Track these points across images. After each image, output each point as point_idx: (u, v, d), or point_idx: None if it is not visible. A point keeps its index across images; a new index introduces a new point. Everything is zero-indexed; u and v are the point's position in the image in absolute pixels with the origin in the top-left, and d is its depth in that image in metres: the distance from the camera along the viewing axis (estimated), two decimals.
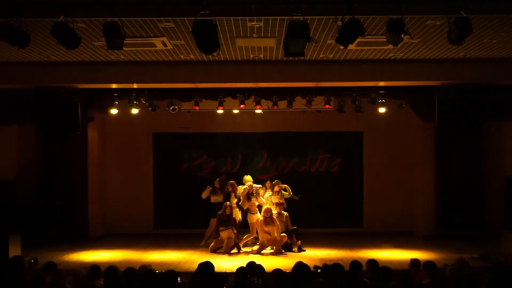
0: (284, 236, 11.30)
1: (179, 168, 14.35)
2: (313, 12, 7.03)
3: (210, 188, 12.32)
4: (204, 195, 12.29)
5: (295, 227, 11.69)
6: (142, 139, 14.37)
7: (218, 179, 12.46)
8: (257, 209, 11.79)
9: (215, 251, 11.43)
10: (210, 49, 6.80)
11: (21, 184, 11.84)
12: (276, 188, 12.01)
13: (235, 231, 11.48)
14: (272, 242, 11.26)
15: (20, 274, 6.74)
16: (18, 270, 7.04)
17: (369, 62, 10.16)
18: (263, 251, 11.32)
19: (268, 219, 11.17)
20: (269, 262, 10.07)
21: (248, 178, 12.17)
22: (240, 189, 11.91)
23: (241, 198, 11.77)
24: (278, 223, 11.30)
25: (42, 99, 11.08)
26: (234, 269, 6.76)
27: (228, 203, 11.60)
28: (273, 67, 10.36)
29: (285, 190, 12.12)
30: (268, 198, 11.98)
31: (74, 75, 10.38)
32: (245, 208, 11.79)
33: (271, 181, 12.47)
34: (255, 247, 11.37)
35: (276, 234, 11.13)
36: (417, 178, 13.92)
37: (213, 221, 12.21)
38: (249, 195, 11.71)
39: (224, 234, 11.37)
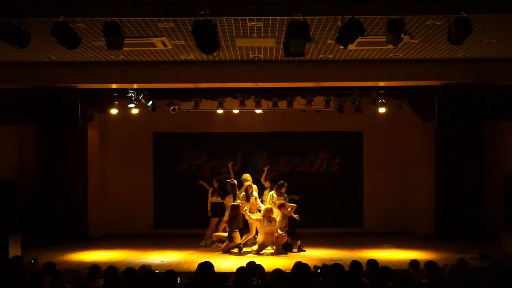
0: (284, 236, 11.30)
1: (179, 168, 14.36)
2: (313, 12, 7.02)
3: (211, 189, 12.36)
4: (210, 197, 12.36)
5: (292, 227, 11.66)
6: (142, 139, 14.37)
7: (215, 178, 12.48)
8: (257, 208, 11.78)
9: (227, 251, 11.44)
10: (210, 49, 6.80)
11: (21, 184, 11.83)
12: (282, 190, 11.95)
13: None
14: (273, 242, 11.25)
15: (20, 274, 6.75)
16: (18, 270, 7.04)
17: (369, 62, 10.15)
18: (263, 251, 11.32)
19: (270, 218, 11.17)
20: (269, 262, 10.08)
21: (247, 176, 12.17)
22: (242, 191, 11.96)
23: (240, 199, 11.77)
24: (278, 223, 11.31)
25: (42, 99, 11.07)
26: (234, 269, 6.77)
27: (235, 203, 11.60)
28: (273, 67, 10.35)
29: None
30: (271, 198, 11.93)
31: (74, 75, 10.36)
32: (245, 209, 11.77)
33: (271, 181, 12.47)
34: (255, 247, 11.37)
35: (276, 234, 11.17)
36: (417, 178, 13.92)
37: (213, 221, 12.23)
38: (248, 195, 11.72)
39: (235, 235, 11.45)
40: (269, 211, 11.23)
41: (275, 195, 11.88)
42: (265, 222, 11.17)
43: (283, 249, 11.40)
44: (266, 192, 12.40)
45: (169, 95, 12.29)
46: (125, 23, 7.20)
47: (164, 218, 14.26)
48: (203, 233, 12.39)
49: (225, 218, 11.81)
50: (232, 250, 11.45)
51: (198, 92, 12.08)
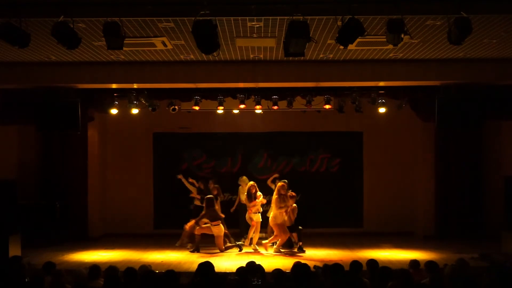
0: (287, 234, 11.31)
1: (179, 168, 14.32)
2: (313, 12, 7.03)
3: (196, 189, 12.33)
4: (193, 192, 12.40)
5: (300, 227, 11.63)
6: (142, 139, 14.37)
7: (200, 181, 12.49)
8: (257, 209, 11.75)
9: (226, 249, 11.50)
10: (210, 49, 6.80)
11: (21, 184, 11.83)
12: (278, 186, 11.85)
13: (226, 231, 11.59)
14: (285, 220, 11.27)
15: (20, 274, 6.74)
16: (17, 270, 7.03)
17: (369, 62, 10.16)
18: (263, 252, 11.32)
19: (283, 196, 11.17)
20: (269, 262, 10.08)
21: (245, 180, 12.24)
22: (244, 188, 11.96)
23: (243, 198, 11.77)
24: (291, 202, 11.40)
25: (42, 99, 11.08)
26: (234, 269, 6.76)
27: (209, 196, 11.64)
28: (273, 67, 10.35)
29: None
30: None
31: (74, 75, 10.37)
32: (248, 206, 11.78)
33: (273, 182, 12.46)
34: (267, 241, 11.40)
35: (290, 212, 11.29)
36: (417, 178, 13.92)
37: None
38: (250, 195, 11.68)
39: (215, 229, 11.37)
40: (283, 188, 11.23)
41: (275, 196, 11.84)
42: (281, 199, 11.17)
43: (285, 247, 11.38)
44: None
45: (169, 95, 12.29)
46: (125, 23, 7.20)
47: (164, 218, 14.25)
48: (202, 233, 12.36)
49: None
50: (230, 250, 11.46)
51: (198, 92, 12.08)
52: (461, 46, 8.34)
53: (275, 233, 11.49)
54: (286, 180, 11.90)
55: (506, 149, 13.08)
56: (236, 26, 7.81)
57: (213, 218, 11.40)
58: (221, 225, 11.45)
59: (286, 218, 11.33)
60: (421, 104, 12.34)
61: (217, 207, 11.88)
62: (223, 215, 11.94)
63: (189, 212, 12.59)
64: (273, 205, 11.40)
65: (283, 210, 11.23)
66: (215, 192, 12.14)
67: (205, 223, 11.47)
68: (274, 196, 11.41)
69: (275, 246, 11.47)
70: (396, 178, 14.21)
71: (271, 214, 11.43)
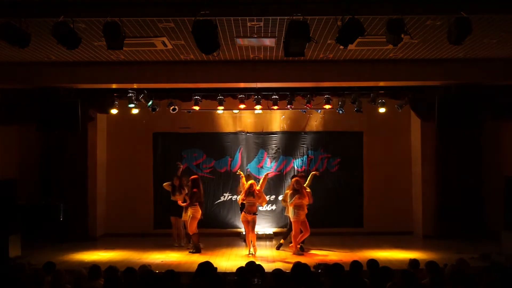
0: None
1: (179, 168, 14.31)
2: (313, 12, 7.04)
3: (169, 183, 12.34)
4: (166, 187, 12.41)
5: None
6: (142, 139, 14.36)
7: (175, 177, 12.42)
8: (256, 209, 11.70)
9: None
10: (210, 49, 6.80)
11: (21, 184, 11.84)
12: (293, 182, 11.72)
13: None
14: (305, 213, 11.20)
15: (20, 275, 6.74)
16: (18, 270, 7.04)
17: (369, 62, 10.16)
18: (262, 253, 11.31)
19: (297, 190, 11.06)
20: (269, 262, 10.08)
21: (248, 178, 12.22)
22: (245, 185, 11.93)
23: (242, 194, 11.74)
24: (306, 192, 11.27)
25: (42, 99, 11.07)
26: (234, 269, 6.77)
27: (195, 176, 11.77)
28: (273, 67, 10.35)
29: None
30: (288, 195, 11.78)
31: (74, 75, 10.37)
32: (243, 203, 11.68)
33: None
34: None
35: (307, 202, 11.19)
36: (417, 178, 13.92)
37: (174, 220, 12.28)
38: (251, 192, 11.58)
39: (191, 210, 11.38)
40: (298, 183, 11.12)
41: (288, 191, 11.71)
42: (296, 194, 11.04)
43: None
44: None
45: (169, 95, 12.30)
46: (125, 23, 7.20)
47: (164, 218, 14.20)
48: (203, 232, 12.35)
49: (185, 217, 11.75)
50: (229, 251, 11.43)
51: (198, 92, 12.09)
52: (461, 46, 8.35)
53: (303, 232, 11.38)
54: (300, 174, 11.87)
55: (506, 149, 13.07)
56: (236, 26, 7.81)
57: (196, 199, 11.40)
58: (198, 207, 11.41)
59: (306, 211, 11.23)
60: (421, 104, 12.34)
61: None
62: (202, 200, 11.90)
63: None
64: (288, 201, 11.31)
65: (295, 204, 11.05)
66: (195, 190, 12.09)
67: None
68: (288, 191, 11.35)
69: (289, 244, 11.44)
70: (396, 178, 14.20)
71: (290, 213, 11.32)
